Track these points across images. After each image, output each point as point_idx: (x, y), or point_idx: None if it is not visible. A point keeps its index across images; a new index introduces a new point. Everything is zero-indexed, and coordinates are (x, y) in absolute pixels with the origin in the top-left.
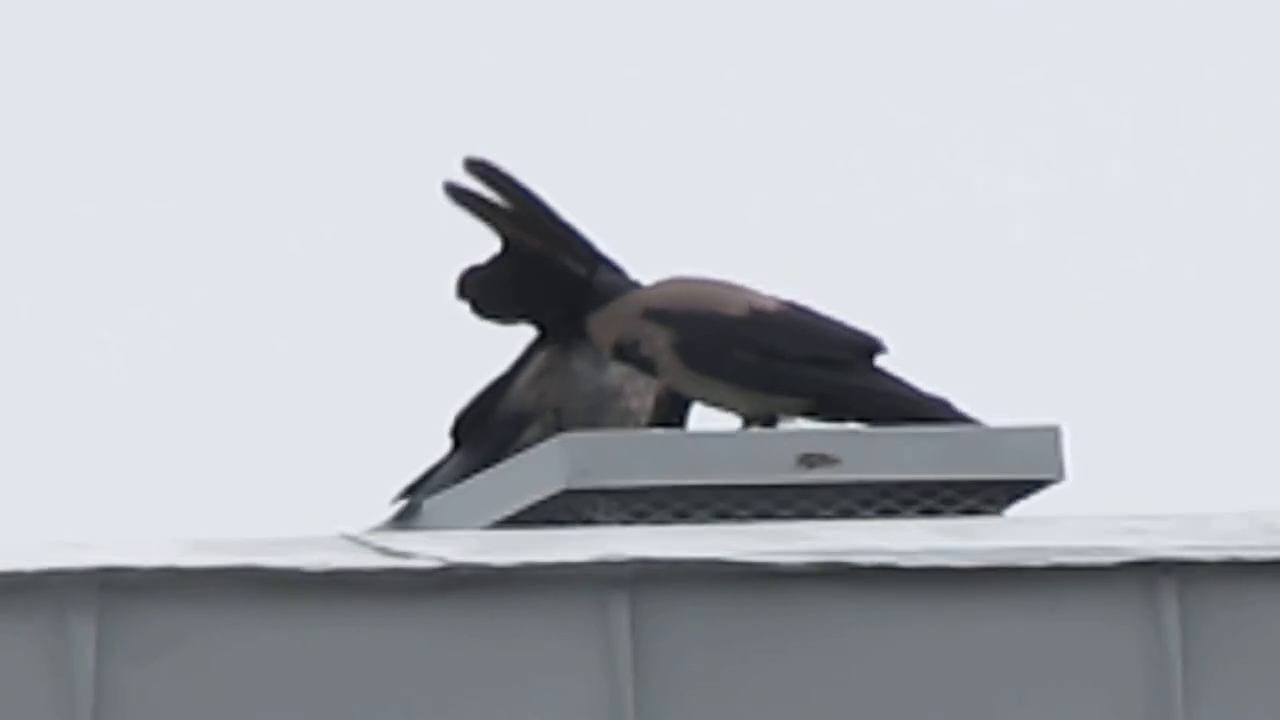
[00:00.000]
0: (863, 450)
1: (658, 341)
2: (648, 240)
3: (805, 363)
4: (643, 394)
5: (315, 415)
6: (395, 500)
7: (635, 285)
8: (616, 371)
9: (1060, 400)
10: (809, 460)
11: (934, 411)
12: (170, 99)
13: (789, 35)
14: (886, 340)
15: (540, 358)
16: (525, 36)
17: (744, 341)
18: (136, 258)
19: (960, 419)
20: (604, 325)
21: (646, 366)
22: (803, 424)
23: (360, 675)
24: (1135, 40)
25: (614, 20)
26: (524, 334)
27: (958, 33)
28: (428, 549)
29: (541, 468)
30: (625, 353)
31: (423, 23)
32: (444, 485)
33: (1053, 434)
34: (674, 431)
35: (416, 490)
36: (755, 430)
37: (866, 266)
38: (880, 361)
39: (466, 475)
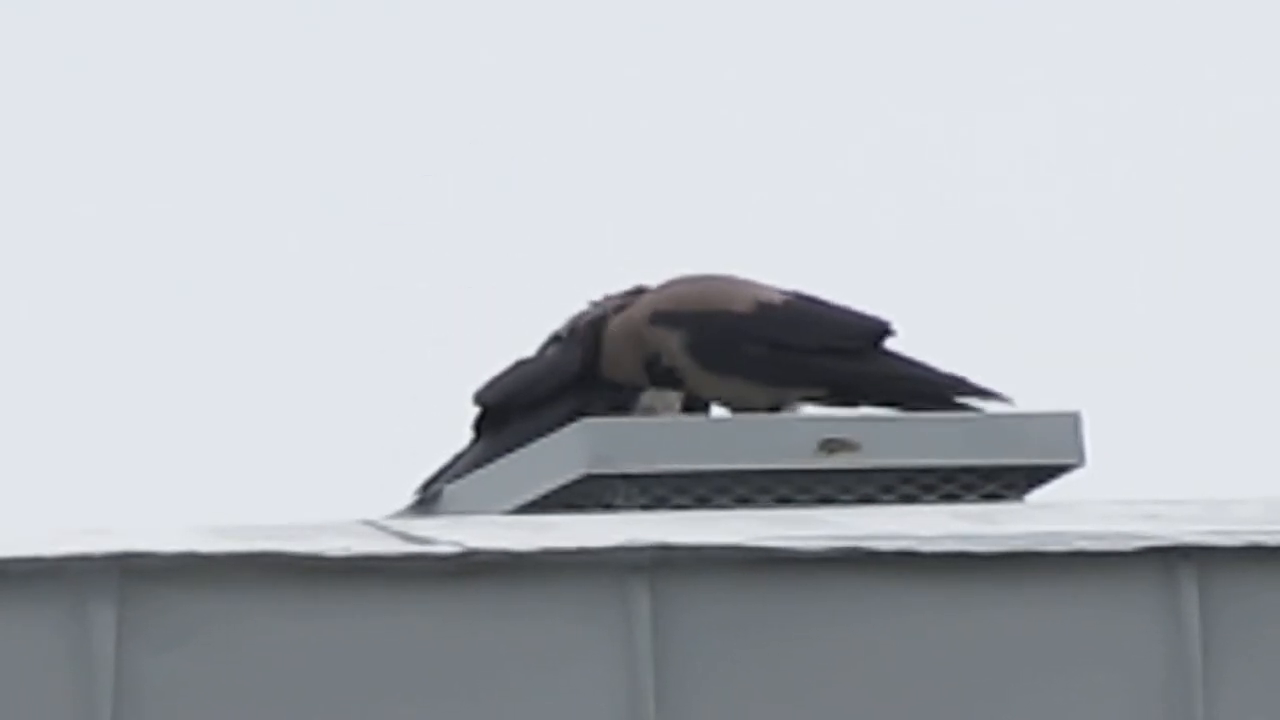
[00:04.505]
0: (883, 436)
1: (670, 344)
2: (650, 238)
3: (816, 353)
4: (670, 400)
5: (335, 401)
6: (417, 493)
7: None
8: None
9: (1081, 386)
10: (830, 446)
11: (950, 390)
12: (171, 99)
13: (789, 35)
14: (896, 323)
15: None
16: (525, 37)
17: (754, 336)
18: (152, 249)
19: (978, 393)
20: (622, 343)
21: (672, 378)
22: (822, 410)
23: (380, 660)
24: (1140, 35)
25: (614, 20)
26: (538, 328)
27: (960, 32)
28: (448, 535)
29: (562, 453)
30: (653, 370)
31: (422, 23)
32: (464, 475)
33: (1073, 419)
34: (694, 417)
35: (437, 482)
36: (776, 416)
37: (887, 257)
38: (893, 344)
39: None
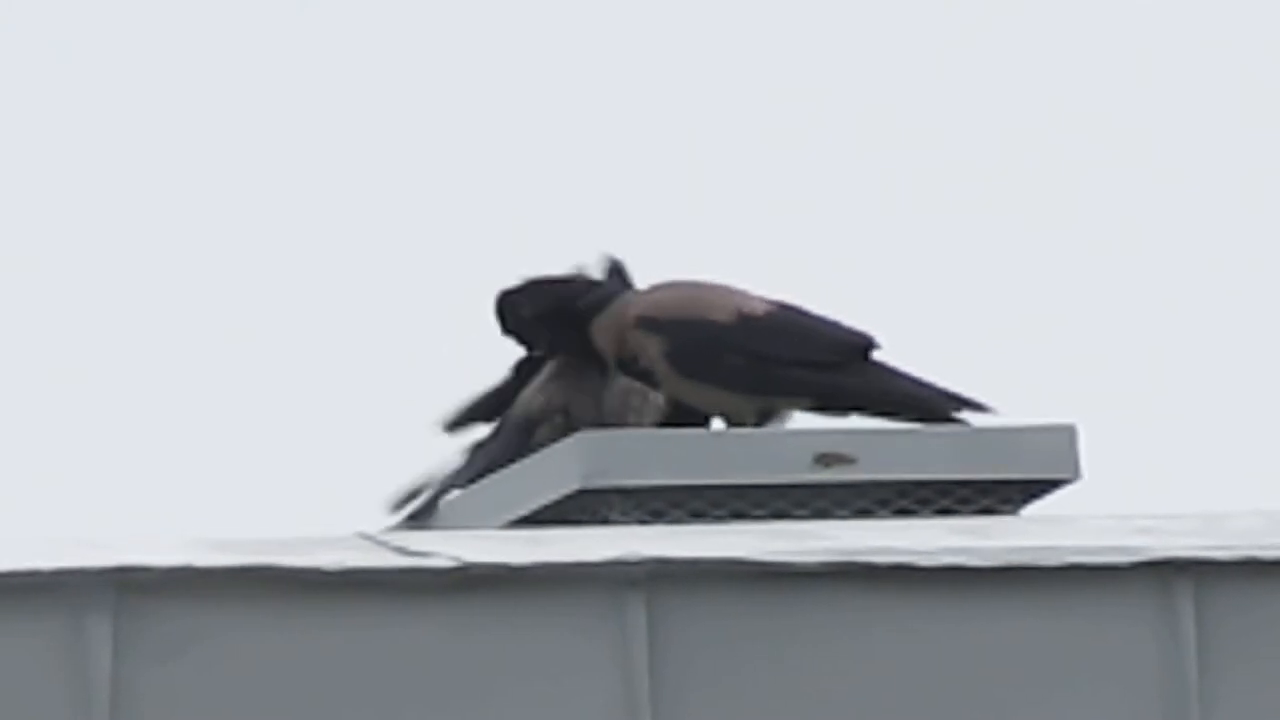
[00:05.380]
0: (879, 450)
1: (651, 350)
2: (649, 241)
3: (796, 365)
4: (644, 392)
5: (331, 414)
6: (396, 506)
7: (629, 288)
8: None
9: (1076, 399)
10: (825, 460)
11: (934, 404)
12: (166, 103)
13: (786, 36)
14: (881, 336)
15: (550, 365)
16: (524, 38)
17: (733, 346)
18: (147, 260)
19: (964, 405)
20: (604, 333)
21: (647, 378)
22: (817, 423)
23: (376, 674)
24: (1139, 34)
25: (616, 20)
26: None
27: (956, 33)
28: (444, 548)
29: (557, 467)
30: (627, 367)
31: (424, 23)
32: (451, 487)
33: (1068, 433)
34: (690, 431)
35: (418, 495)
36: (771, 430)
37: (882, 265)
38: (882, 355)
39: (476, 477)
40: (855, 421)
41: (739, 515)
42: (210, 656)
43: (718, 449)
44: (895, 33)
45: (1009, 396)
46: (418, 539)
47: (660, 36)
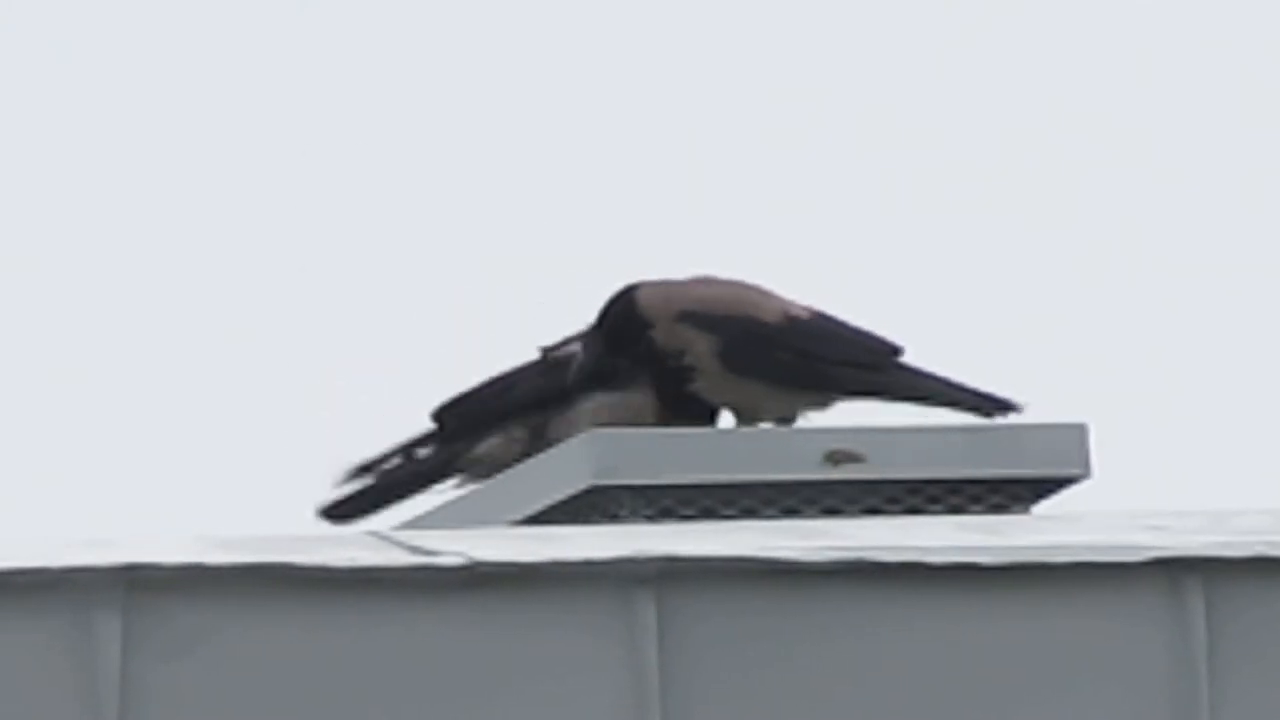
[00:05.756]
0: (888, 448)
1: (699, 346)
2: (650, 240)
3: (841, 364)
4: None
5: (341, 412)
6: (343, 480)
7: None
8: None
9: (1086, 398)
10: (835, 458)
11: (967, 403)
12: (172, 100)
13: (781, 38)
14: (905, 344)
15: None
16: (527, 37)
17: (783, 344)
18: (155, 256)
19: (994, 404)
20: (654, 296)
21: (679, 377)
22: (827, 421)
23: (386, 672)
24: (1144, 32)
25: (617, 20)
26: (541, 335)
27: (958, 34)
28: (454, 546)
29: (568, 464)
30: (667, 360)
31: (424, 23)
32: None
33: (1079, 431)
34: (700, 429)
35: (370, 470)
36: (782, 428)
37: (885, 265)
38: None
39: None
40: (864, 419)
41: (749, 513)
42: (219, 654)
43: (728, 447)
44: (895, 33)
45: (1019, 395)
46: (427, 537)
47: (660, 36)
